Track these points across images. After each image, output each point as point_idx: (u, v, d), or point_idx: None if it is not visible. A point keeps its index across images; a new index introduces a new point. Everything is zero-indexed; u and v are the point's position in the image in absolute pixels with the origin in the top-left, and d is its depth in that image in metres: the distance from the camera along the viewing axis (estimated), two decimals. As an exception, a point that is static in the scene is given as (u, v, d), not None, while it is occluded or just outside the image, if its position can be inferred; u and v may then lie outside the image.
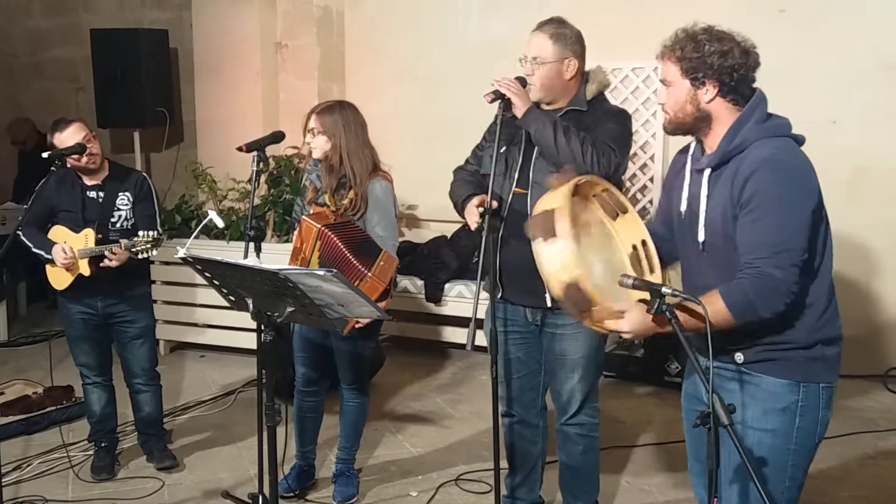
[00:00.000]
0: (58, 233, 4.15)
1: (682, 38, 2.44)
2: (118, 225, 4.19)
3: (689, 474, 2.80)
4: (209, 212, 4.17)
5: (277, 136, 3.89)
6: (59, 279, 4.18)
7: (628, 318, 2.32)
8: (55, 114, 8.56)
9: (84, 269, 4.07)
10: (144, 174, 4.40)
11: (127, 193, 4.23)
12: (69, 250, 4.03)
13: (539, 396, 3.58)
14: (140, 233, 3.99)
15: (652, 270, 2.55)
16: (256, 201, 4.30)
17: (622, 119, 3.34)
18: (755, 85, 2.45)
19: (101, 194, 4.19)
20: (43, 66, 8.88)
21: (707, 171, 2.45)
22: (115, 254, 3.96)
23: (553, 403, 3.56)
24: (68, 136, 4.08)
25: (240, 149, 3.74)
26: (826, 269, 2.41)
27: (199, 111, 7.30)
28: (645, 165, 6.23)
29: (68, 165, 4.06)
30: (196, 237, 4.11)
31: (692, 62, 2.40)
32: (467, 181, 3.49)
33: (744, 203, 2.32)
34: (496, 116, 3.21)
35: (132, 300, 4.33)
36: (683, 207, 2.54)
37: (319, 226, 3.68)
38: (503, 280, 3.36)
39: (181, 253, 2.98)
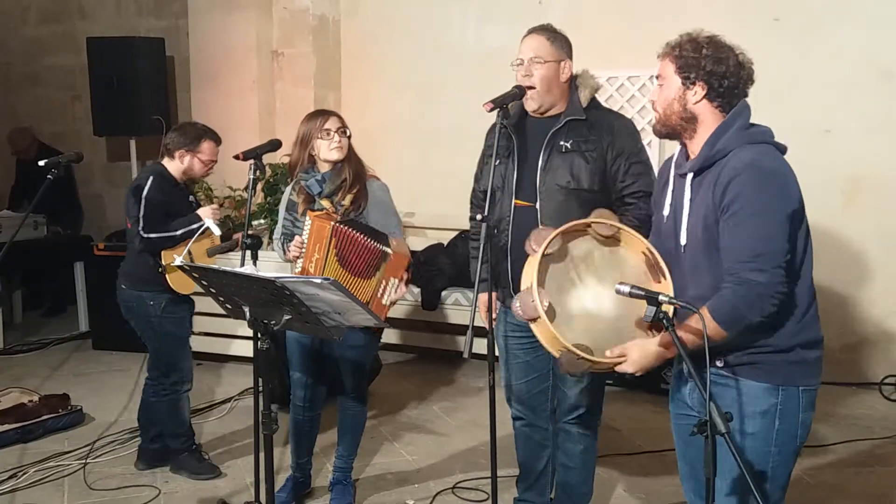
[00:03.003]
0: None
1: (684, 40, 2.50)
2: None
3: (680, 478, 2.79)
4: (206, 220, 4.17)
5: (274, 144, 3.90)
6: (189, 283, 4.12)
7: (630, 360, 2.41)
8: (51, 122, 8.70)
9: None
10: None
11: (192, 197, 4.46)
12: (216, 206, 4.33)
13: (549, 400, 3.60)
14: (254, 223, 4.11)
15: (664, 277, 2.55)
16: (253, 209, 4.30)
17: (634, 132, 3.41)
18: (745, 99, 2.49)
19: (192, 198, 4.42)
20: (39, 74, 8.89)
21: (690, 176, 2.49)
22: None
23: (557, 403, 3.57)
24: (215, 152, 4.35)
25: (237, 157, 3.75)
26: (806, 271, 2.44)
27: (195, 119, 7.30)
28: (641, 173, 6.24)
29: (198, 169, 4.31)
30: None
31: (687, 60, 2.45)
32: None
33: (725, 206, 2.35)
34: (496, 126, 3.20)
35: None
36: (666, 212, 2.58)
37: (332, 223, 3.66)
38: (516, 289, 3.36)
39: (178, 261, 2.98)
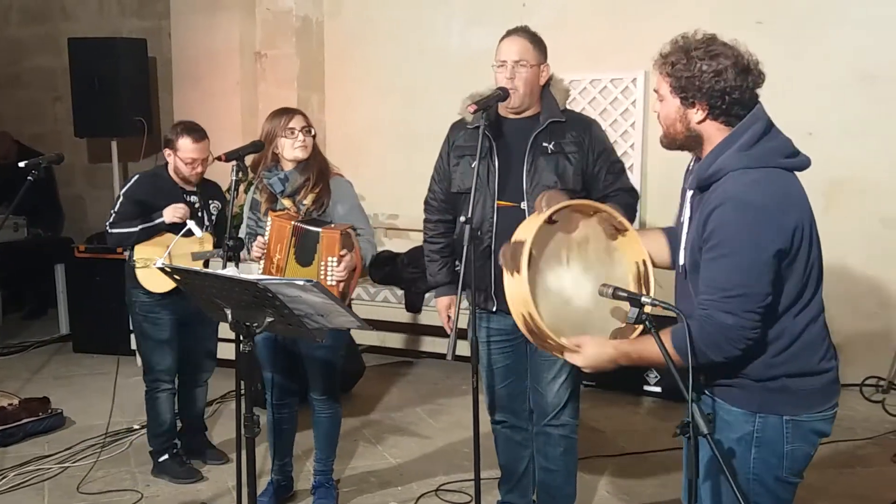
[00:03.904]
0: (164, 236, 4.17)
1: (675, 51, 2.29)
2: (208, 230, 4.34)
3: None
4: (187, 221, 4.15)
5: (257, 146, 3.87)
6: (166, 281, 4.03)
7: (584, 352, 2.32)
8: (33, 123, 8.63)
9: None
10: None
11: (217, 202, 4.38)
12: (182, 206, 4.15)
13: (527, 401, 3.60)
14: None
15: (648, 291, 2.51)
16: (235, 210, 4.28)
17: (604, 134, 3.49)
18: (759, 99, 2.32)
19: (197, 200, 4.31)
20: (21, 75, 8.82)
21: (690, 193, 2.37)
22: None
23: (534, 406, 3.56)
24: (201, 149, 4.22)
25: (219, 158, 3.73)
26: (798, 308, 2.26)
27: (177, 120, 7.26)
28: (624, 176, 6.25)
29: (182, 168, 4.21)
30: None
31: (682, 81, 2.25)
32: (442, 255, 3.60)
33: (706, 238, 2.21)
34: (480, 128, 3.19)
35: None
36: (677, 223, 2.48)
37: (293, 223, 3.64)
38: (497, 292, 3.36)
39: (159, 263, 2.96)
